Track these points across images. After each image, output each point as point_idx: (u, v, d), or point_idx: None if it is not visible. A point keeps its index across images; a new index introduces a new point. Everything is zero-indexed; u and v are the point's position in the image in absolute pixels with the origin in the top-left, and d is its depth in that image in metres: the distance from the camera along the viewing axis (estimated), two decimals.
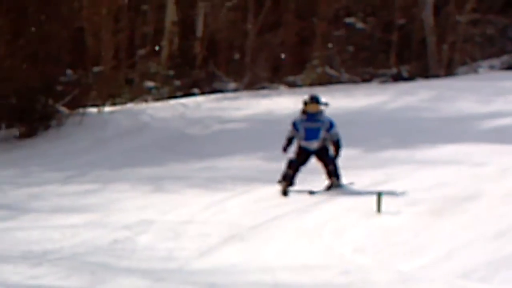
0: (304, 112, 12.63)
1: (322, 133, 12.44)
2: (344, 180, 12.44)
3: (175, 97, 25.56)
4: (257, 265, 8.64)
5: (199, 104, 23.77)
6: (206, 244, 9.65)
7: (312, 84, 25.54)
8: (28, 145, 20.89)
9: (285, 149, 12.73)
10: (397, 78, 25.82)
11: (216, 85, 27.53)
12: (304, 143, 12.58)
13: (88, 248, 9.58)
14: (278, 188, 12.39)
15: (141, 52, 27.81)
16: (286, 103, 20.99)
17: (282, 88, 26.56)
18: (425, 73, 25.73)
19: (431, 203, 10.41)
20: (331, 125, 12.46)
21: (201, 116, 22.03)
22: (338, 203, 11.34)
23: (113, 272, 8.63)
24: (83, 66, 23.99)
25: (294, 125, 12.66)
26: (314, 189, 12.20)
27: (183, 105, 23.72)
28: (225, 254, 9.19)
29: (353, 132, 15.94)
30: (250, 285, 7.87)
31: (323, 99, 12.79)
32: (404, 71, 26.40)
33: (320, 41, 27.62)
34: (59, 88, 22.81)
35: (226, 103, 23.75)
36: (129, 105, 24.61)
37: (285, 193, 12.28)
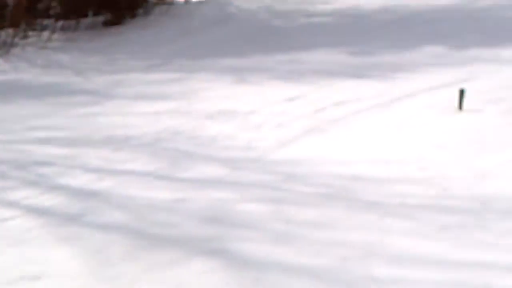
0: None
1: None
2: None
3: None
4: (336, 157, 8.76)
5: None
6: (286, 135, 9.81)
7: None
8: (113, 33, 21.18)
9: None
10: None
11: None
12: None
13: (170, 135, 9.86)
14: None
15: None
16: None
17: None
18: None
19: None
20: None
21: (287, 9, 21.85)
22: (420, 99, 11.28)
23: (193, 160, 8.91)
24: None
25: None
26: None
27: None
28: (304, 146, 9.33)
29: (438, 29, 15.73)
30: (328, 176, 8.03)
31: None
32: None
33: None
34: None
35: None
36: None
37: None
